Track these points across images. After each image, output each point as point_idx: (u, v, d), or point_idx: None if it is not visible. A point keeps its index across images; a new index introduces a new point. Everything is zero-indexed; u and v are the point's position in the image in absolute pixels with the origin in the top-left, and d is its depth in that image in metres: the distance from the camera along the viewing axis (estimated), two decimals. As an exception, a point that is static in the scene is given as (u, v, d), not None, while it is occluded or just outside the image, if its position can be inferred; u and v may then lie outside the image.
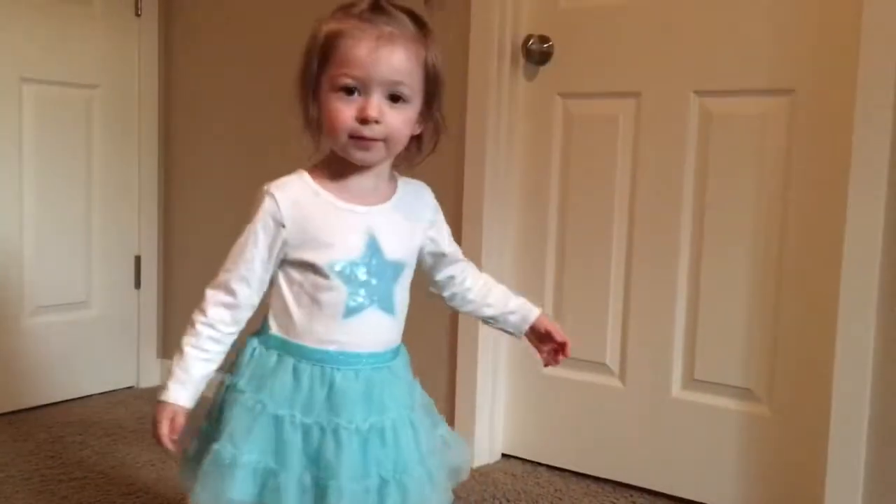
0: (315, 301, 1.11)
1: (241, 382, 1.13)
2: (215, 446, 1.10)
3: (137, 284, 2.59)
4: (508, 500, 1.82)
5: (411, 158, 1.17)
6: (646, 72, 1.86)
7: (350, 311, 1.11)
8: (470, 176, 1.97)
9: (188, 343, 1.13)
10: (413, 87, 1.08)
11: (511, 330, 1.28)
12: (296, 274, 1.12)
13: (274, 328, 1.14)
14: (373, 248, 1.12)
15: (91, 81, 2.43)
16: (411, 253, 1.19)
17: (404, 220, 1.17)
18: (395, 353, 1.18)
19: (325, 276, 1.10)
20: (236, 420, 1.11)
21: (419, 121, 1.13)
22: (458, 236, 1.37)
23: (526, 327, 1.27)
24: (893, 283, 1.54)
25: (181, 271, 2.62)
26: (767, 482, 1.75)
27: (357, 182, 1.13)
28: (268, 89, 2.37)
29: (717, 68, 1.77)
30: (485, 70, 1.96)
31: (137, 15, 2.52)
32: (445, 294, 1.28)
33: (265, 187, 1.12)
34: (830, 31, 1.63)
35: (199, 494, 1.10)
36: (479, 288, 1.27)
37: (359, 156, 1.09)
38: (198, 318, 1.13)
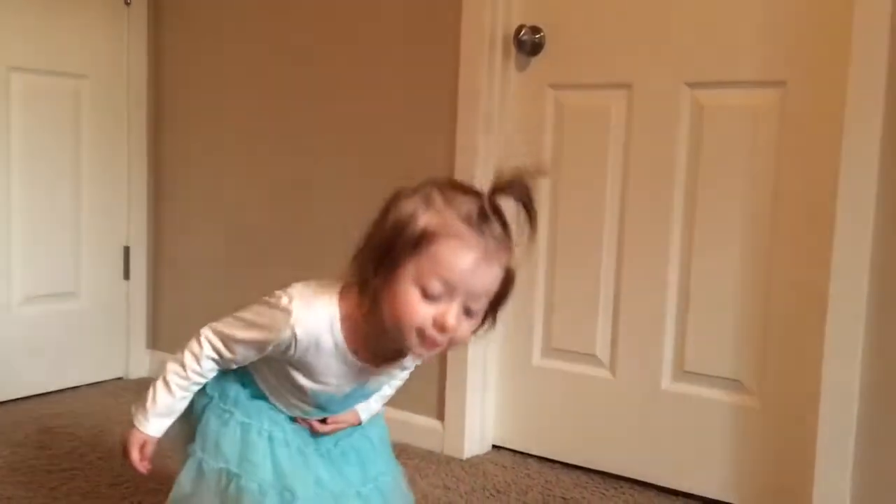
0: (281, 394, 1.16)
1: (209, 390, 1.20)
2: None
3: (126, 275, 2.58)
4: (498, 492, 1.82)
5: None
6: (637, 63, 1.85)
7: (306, 413, 1.18)
8: (461, 167, 1.97)
9: (178, 383, 1.13)
10: (490, 298, 1.04)
11: None
12: (280, 371, 1.14)
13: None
14: (357, 389, 1.16)
15: (80, 71, 2.42)
16: (387, 377, 1.21)
17: (399, 369, 1.20)
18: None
19: (304, 391, 1.14)
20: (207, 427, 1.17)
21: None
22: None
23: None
24: (884, 275, 1.54)
25: (170, 262, 2.61)
26: (757, 473, 1.76)
27: (381, 350, 1.09)
28: (259, 79, 2.36)
29: (708, 60, 1.77)
30: (476, 60, 1.96)
31: (127, 4, 2.50)
32: None
33: (289, 310, 1.05)
34: (822, 23, 1.63)
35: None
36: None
37: (419, 352, 1.04)
38: (192, 366, 1.13)
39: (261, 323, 1.07)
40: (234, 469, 1.12)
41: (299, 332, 1.05)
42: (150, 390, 1.15)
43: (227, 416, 1.15)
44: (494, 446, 2.09)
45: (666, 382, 1.87)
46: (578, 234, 1.96)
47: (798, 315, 1.70)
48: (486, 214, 0.98)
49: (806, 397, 1.65)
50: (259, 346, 1.08)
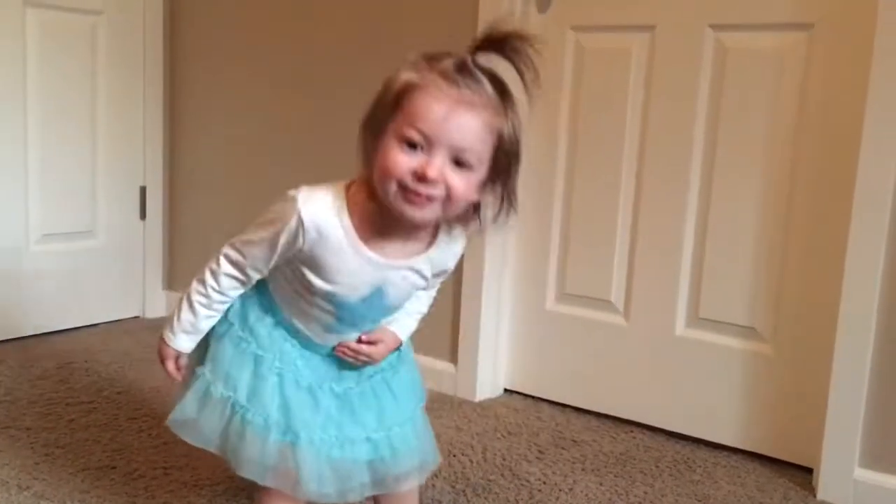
0: (301, 309, 1.14)
1: (231, 316, 1.18)
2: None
3: (143, 215, 2.59)
4: (510, 433, 1.84)
5: (466, 221, 1.10)
6: (661, 4, 1.82)
7: (331, 329, 1.15)
8: (479, 109, 1.95)
9: (199, 300, 1.14)
10: (480, 156, 1.01)
11: None
12: (294, 276, 1.12)
13: (272, 292, 1.17)
14: (376, 295, 1.12)
15: (95, 7, 2.39)
16: (407, 296, 1.18)
17: (418, 276, 1.13)
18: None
19: (321, 297, 1.11)
20: (221, 353, 1.16)
21: (480, 189, 1.05)
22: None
23: None
24: (904, 223, 1.52)
25: (187, 202, 2.61)
26: (769, 421, 1.77)
27: (390, 232, 1.07)
28: (278, 16, 2.33)
29: (733, 2, 1.73)
30: (496, 1, 1.92)
31: (142, -61, 2.47)
32: None
33: (295, 197, 1.05)
34: (853, -36, 1.59)
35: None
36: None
37: (408, 212, 1.01)
38: (210, 283, 1.13)
39: (270, 217, 1.08)
40: (242, 401, 1.12)
41: (305, 217, 1.04)
42: (176, 307, 1.16)
43: (244, 345, 1.14)
44: (506, 390, 2.11)
45: (680, 329, 1.87)
46: (595, 181, 1.94)
47: (814, 263, 1.68)
48: (465, 67, 0.99)
49: (820, 346, 1.65)
50: (271, 242, 1.07)
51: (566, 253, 2.00)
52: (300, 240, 1.05)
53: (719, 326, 1.82)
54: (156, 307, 2.62)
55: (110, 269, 2.52)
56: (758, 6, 1.71)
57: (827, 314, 1.62)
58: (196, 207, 2.59)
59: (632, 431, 1.89)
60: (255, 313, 1.16)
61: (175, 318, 1.16)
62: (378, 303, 1.13)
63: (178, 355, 1.18)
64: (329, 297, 1.10)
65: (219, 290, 1.13)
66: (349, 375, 1.19)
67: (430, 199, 0.99)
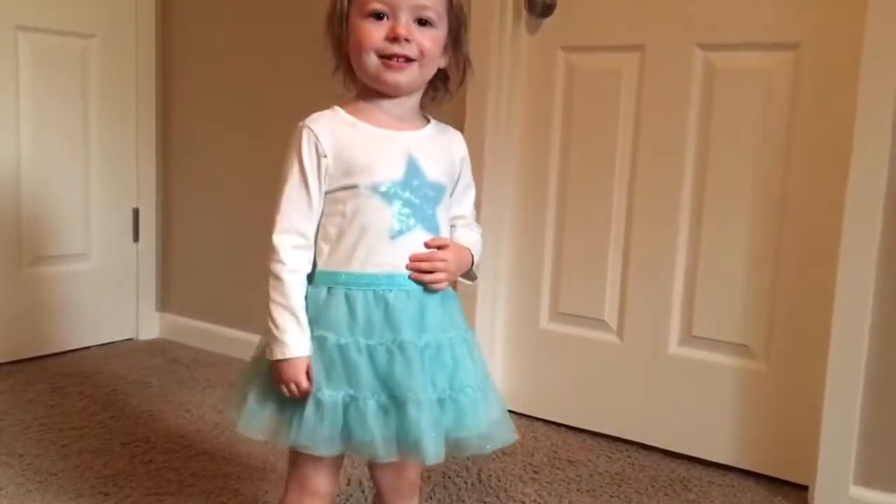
0: (361, 226, 1.10)
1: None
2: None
3: (136, 237, 2.59)
4: (505, 454, 1.84)
5: (438, 97, 1.19)
6: (650, 25, 1.83)
7: (397, 233, 1.11)
8: (470, 130, 1.95)
9: (281, 296, 1.09)
10: (439, 13, 1.11)
11: None
12: (339, 203, 1.11)
13: (320, 264, 1.13)
14: (413, 169, 1.12)
15: (88, 31, 2.40)
16: (450, 178, 1.18)
17: (440, 148, 1.18)
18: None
19: (369, 198, 1.10)
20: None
21: (444, 53, 1.14)
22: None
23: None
24: (895, 240, 1.53)
25: (180, 224, 2.61)
26: (763, 438, 1.77)
27: (389, 110, 1.14)
28: (268, 38, 2.34)
29: (721, 22, 1.75)
30: (486, 22, 1.94)
31: (134, -37, 2.48)
32: None
33: (300, 123, 1.13)
34: (839, -16, 1.61)
35: (288, 438, 1.09)
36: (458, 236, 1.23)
37: (391, 78, 1.09)
38: (279, 269, 1.10)
39: (288, 159, 1.11)
40: (351, 393, 1.07)
41: (312, 125, 1.11)
42: (269, 324, 1.09)
43: (321, 342, 1.09)
44: (501, 409, 2.10)
45: (673, 347, 1.87)
46: (587, 199, 1.95)
47: (806, 281, 1.69)
48: None
49: (813, 363, 1.65)
50: (300, 172, 1.10)
51: (559, 272, 2.01)
52: (320, 148, 1.09)
53: (712, 344, 1.82)
54: (149, 329, 2.61)
55: (103, 292, 2.52)
56: (745, 26, 1.72)
57: (820, 331, 1.63)
58: (189, 229, 2.59)
59: (627, 450, 1.89)
60: (320, 302, 1.11)
61: (276, 333, 1.09)
62: (421, 180, 1.12)
63: (307, 366, 1.08)
64: (376, 189, 1.10)
65: (292, 271, 1.09)
66: (424, 330, 1.12)
67: (408, 60, 1.09)
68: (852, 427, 1.58)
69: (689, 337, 1.85)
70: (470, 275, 1.24)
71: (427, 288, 1.13)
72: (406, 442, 1.07)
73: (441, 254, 1.14)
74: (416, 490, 1.26)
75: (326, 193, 1.11)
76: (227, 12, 2.42)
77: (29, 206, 2.31)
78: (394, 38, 1.07)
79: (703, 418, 1.83)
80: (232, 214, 2.45)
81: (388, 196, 1.10)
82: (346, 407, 1.07)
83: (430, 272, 1.12)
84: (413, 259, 1.12)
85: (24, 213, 2.31)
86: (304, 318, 1.09)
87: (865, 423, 1.58)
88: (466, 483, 1.68)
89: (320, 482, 1.15)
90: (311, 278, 1.12)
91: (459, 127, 2.02)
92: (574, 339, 2.00)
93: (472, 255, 1.21)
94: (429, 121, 1.19)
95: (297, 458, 1.15)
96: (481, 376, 1.15)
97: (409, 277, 1.12)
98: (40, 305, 2.37)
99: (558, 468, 1.78)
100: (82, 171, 2.43)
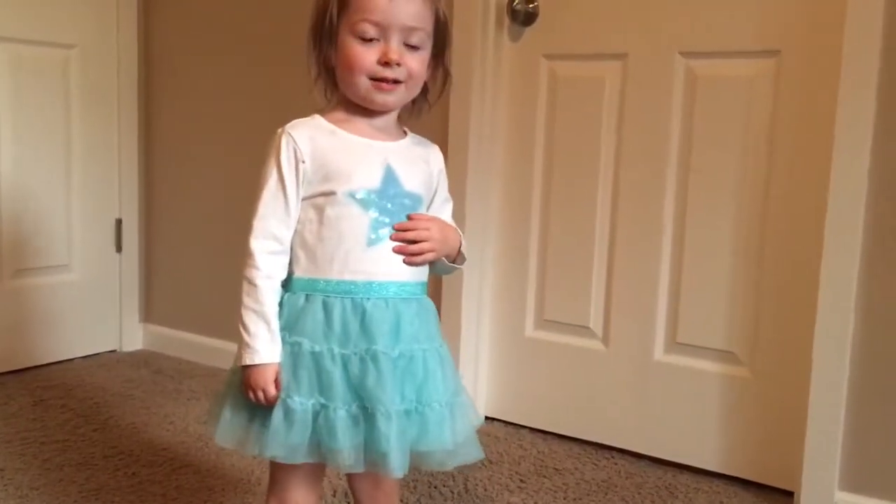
0: (339, 233, 1.10)
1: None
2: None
3: (119, 248, 2.57)
4: (491, 462, 1.83)
5: (418, 107, 1.20)
6: (632, 33, 1.84)
7: (373, 240, 1.11)
8: (454, 138, 1.95)
9: (255, 302, 1.09)
10: (428, 33, 1.13)
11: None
12: (316, 210, 1.11)
13: (297, 271, 1.12)
14: (390, 178, 1.13)
15: (68, 41, 2.39)
16: (427, 190, 1.18)
17: (418, 159, 1.18)
18: (424, 288, 1.17)
19: (347, 205, 1.10)
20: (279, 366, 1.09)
21: (427, 68, 1.16)
22: (441, 198, 1.35)
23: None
24: (876, 247, 1.54)
25: (163, 235, 2.60)
26: (748, 444, 1.77)
27: (370, 121, 1.15)
28: (250, 47, 2.34)
29: (703, 29, 1.75)
30: (469, 31, 1.94)
31: (115, -28, 2.47)
32: None
33: (280, 130, 1.14)
34: (818, -8, 1.62)
35: (256, 447, 1.08)
36: None
37: (380, 99, 1.11)
38: (254, 274, 1.10)
39: (267, 164, 1.12)
40: (322, 401, 1.07)
41: (292, 130, 1.12)
42: (240, 329, 1.10)
43: (296, 348, 1.09)
44: (487, 417, 2.10)
45: (659, 354, 1.87)
46: (571, 207, 1.95)
47: (790, 287, 1.70)
48: None
49: (797, 369, 1.66)
50: (279, 177, 1.10)
51: (544, 279, 2.01)
52: (298, 153, 1.10)
53: (698, 351, 1.83)
54: (133, 340, 2.59)
55: (86, 303, 2.50)
56: (726, 34, 1.73)
57: (804, 337, 1.63)
58: (172, 240, 2.57)
59: (613, 458, 1.89)
60: (297, 309, 1.11)
61: (246, 338, 1.09)
62: (397, 189, 1.13)
63: (276, 373, 1.08)
64: (353, 196, 1.10)
65: (267, 277, 1.10)
66: (407, 338, 1.12)
67: (396, 82, 1.11)
68: (837, 433, 1.59)
69: (674, 344, 1.85)
70: (459, 258, 1.22)
71: (407, 297, 1.12)
72: (374, 452, 1.07)
73: (425, 219, 1.15)
74: (394, 499, 1.26)
75: (304, 199, 1.11)
76: (208, 22, 2.42)
77: (10, 218, 2.29)
78: (385, 63, 1.09)
79: (690, 425, 1.83)
80: (215, 224, 2.44)
81: (364, 203, 1.10)
82: (315, 415, 1.07)
83: (417, 253, 1.13)
84: (397, 228, 1.13)
85: (6, 224, 2.28)
86: (275, 324, 1.10)
87: (850, 429, 1.59)
88: (453, 493, 1.68)
89: (299, 494, 1.15)
90: (287, 285, 1.12)
91: (443, 135, 2.03)
92: (559, 346, 2.00)
93: (460, 236, 1.21)
94: (406, 134, 1.20)
95: (275, 470, 1.15)
96: (451, 391, 1.15)
97: (393, 250, 1.12)
98: (22, 317, 2.34)
99: (545, 476, 1.78)
100: (64, 181, 2.42)
